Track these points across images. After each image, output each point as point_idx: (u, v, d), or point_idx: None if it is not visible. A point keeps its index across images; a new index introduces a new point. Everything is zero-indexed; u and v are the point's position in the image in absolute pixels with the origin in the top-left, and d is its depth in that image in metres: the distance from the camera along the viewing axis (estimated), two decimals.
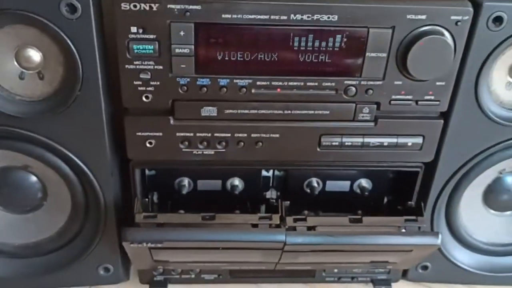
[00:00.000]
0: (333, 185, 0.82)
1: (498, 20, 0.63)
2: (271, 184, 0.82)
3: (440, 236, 0.70)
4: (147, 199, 0.77)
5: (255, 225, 0.72)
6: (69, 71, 0.64)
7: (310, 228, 0.72)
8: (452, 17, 0.62)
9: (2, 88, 0.65)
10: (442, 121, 0.70)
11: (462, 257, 0.84)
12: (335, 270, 0.86)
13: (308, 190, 0.81)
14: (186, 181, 0.79)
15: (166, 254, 0.72)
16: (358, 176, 0.81)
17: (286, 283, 0.88)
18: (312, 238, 0.70)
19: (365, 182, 0.81)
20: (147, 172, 0.78)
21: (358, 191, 0.82)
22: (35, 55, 0.63)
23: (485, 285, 0.87)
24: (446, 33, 0.62)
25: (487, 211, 0.83)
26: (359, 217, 0.73)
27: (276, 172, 0.81)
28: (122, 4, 0.58)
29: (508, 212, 0.84)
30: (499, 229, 0.85)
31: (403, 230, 0.73)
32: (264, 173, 0.80)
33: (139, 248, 0.69)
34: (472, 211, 0.82)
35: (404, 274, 0.88)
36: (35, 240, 0.79)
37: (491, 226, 0.84)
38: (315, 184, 0.81)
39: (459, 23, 0.62)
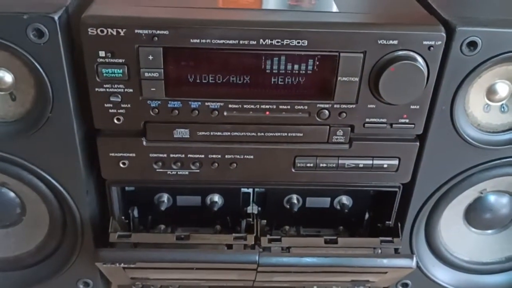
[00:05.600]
0: (313, 202, 0.81)
1: (472, 45, 0.60)
2: (251, 200, 0.80)
3: (415, 258, 0.69)
4: (123, 217, 0.76)
5: (230, 246, 0.71)
6: (40, 93, 0.63)
7: (285, 249, 0.71)
8: (425, 42, 0.60)
9: None
10: (417, 143, 0.69)
11: (443, 275, 0.83)
12: (315, 287, 0.85)
13: (288, 206, 0.80)
14: (165, 197, 0.79)
15: (142, 273, 0.72)
16: (338, 193, 0.80)
17: None
18: (286, 259, 0.69)
19: (345, 199, 0.80)
20: (126, 188, 0.77)
21: (339, 207, 0.81)
22: (6, 77, 0.62)
23: None
24: (419, 58, 0.60)
25: (468, 229, 0.81)
26: (335, 238, 0.72)
27: (256, 189, 0.79)
28: (89, 29, 0.57)
29: (490, 231, 0.82)
30: (481, 248, 0.83)
31: (379, 251, 0.73)
32: (244, 189, 0.79)
33: (112, 268, 0.69)
34: (453, 229, 0.80)
35: None
36: (14, 254, 0.79)
37: (473, 244, 0.82)
38: (295, 201, 0.80)
39: (431, 48, 0.60)
